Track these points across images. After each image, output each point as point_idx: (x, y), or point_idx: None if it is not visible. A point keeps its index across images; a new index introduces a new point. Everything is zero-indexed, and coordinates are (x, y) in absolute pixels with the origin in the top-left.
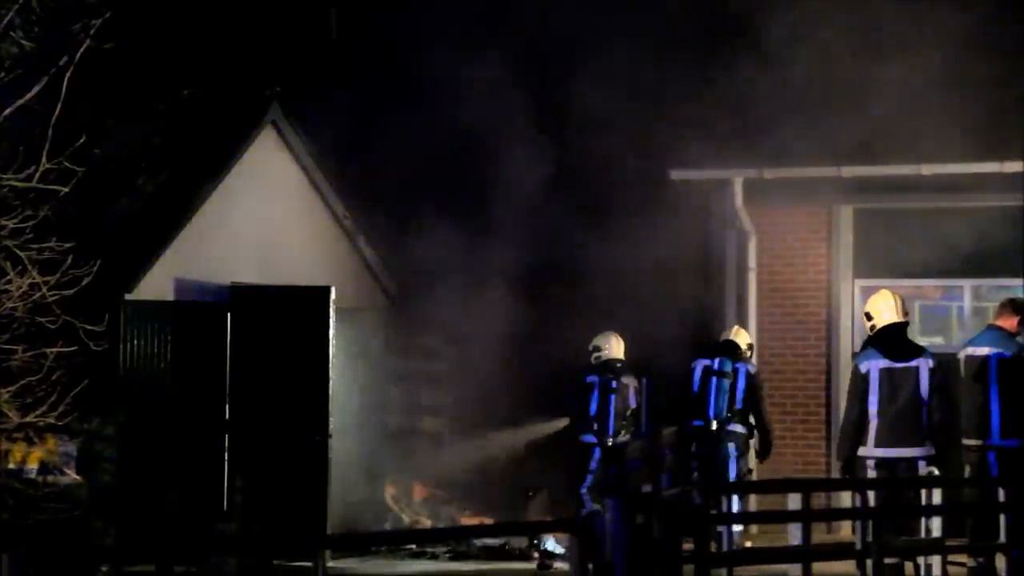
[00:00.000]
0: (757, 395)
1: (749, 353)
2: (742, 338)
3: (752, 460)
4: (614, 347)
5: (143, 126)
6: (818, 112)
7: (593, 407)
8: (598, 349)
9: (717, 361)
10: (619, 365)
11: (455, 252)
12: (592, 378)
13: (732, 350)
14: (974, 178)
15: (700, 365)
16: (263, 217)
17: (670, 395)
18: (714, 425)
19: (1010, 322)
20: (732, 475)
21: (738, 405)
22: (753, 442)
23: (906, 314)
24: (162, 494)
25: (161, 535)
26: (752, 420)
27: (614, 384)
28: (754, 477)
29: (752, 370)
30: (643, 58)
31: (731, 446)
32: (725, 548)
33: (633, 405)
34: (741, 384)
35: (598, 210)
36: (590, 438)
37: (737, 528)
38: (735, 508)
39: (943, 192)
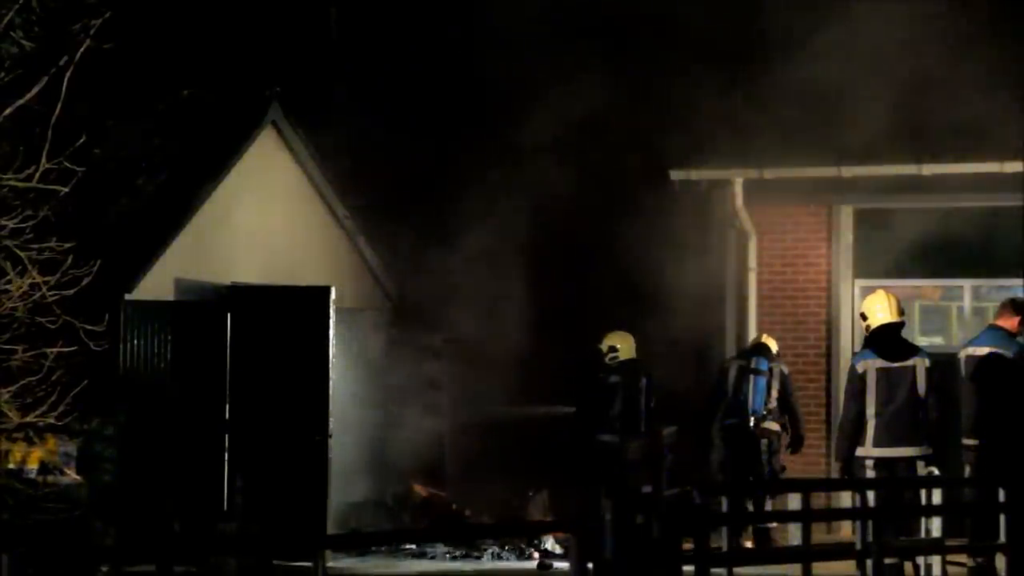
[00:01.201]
0: (792, 394)
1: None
2: (772, 343)
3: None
4: (628, 346)
5: (143, 126)
6: (818, 112)
7: (617, 407)
8: (614, 349)
9: (754, 360)
10: (635, 365)
11: (454, 252)
12: (615, 378)
13: (765, 351)
14: (974, 178)
15: (735, 365)
16: (263, 217)
17: (668, 395)
18: (752, 422)
19: (1011, 322)
20: (767, 472)
21: (772, 403)
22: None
23: (902, 314)
24: (162, 494)
25: (161, 535)
26: (785, 418)
27: (640, 385)
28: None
29: (786, 371)
30: (643, 58)
31: (764, 443)
32: (725, 548)
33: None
34: (776, 384)
35: (597, 210)
36: (611, 437)
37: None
38: (767, 507)
39: (943, 192)
